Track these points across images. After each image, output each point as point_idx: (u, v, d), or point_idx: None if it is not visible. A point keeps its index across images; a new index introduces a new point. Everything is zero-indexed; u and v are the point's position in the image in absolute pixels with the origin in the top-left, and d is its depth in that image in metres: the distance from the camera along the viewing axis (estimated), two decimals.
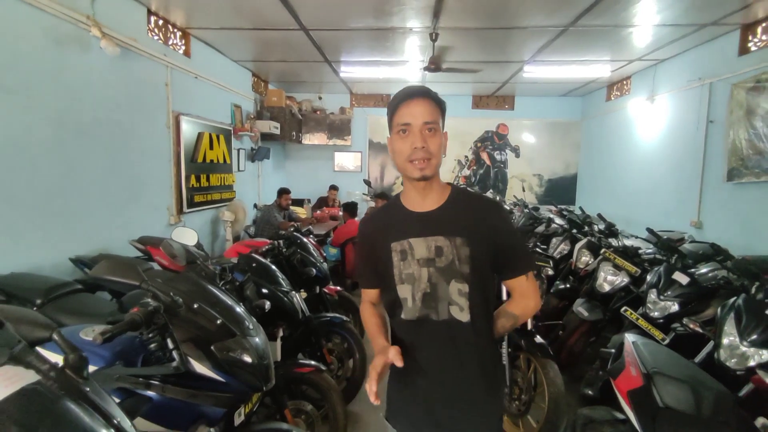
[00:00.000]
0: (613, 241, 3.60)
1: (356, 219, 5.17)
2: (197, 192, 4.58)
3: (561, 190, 7.71)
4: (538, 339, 2.37)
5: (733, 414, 1.33)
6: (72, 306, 2.10)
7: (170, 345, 1.35)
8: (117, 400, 0.92)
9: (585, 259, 3.51)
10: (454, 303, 1.12)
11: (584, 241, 3.67)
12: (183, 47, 4.30)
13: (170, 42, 4.08)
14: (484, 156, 7.80)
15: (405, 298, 1.15)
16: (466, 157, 7.83)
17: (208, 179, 4.80)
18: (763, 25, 3.70)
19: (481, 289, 1.14)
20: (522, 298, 1.22)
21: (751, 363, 1.75)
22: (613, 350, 2.05)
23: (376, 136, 7.80)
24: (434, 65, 4.52)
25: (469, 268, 1.11)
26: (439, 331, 1.13)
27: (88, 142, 3.05)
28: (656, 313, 2.52)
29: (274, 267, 2.53)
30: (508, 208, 6.08)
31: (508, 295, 1.28)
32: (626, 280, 2.99)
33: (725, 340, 1.84)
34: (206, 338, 1.37)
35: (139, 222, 3.61)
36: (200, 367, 1.34)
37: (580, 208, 5.50)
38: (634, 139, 5.79)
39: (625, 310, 2.63)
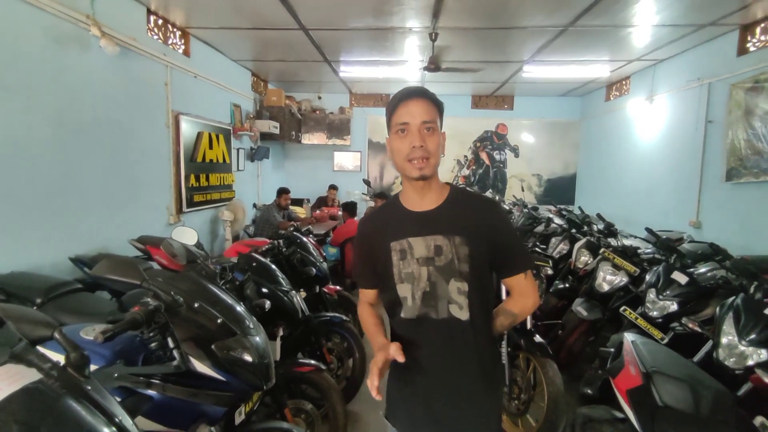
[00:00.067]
0: (612, 241, 3.61)
1: (356, 219, 5.17)
2: (197, 191, 4.58)
3: (560, 190, 7.72)
4: (538, 338, 2.37)
5: (731, 413, 1.34)
6: (72, 305, 2.10)
7: (171, 344, 1.35)
8: (118, 399, 0.92)
9: (584, 258, 3.52)
10: (454, 301, 1.13)
11: (583, 240, 3.68)
12: (182, 47, 4.30)
13: (170, 41, 4.08)
14: (484, 156, 7.81)
15: (405, 297, 1.16)
16: (465, 156, 7.84)
17: (207, 179, 4.80)
18: (762, 25, 3.71)
19: (480, 288, 1.15)
20: (520, 296, 1.23)
21: (750, 362, 1.75)
22: (612, 349, 2.05)
23: (376, 136, 7.81)
24: (434, 65, 4.52)
25: (468, 266, 1.12)
26: (439, 330, 1.14)
27: (87, 141, 3.05)
28: (655, 313, 2.53)
29: (273, 266, 2.53)
30: (507, 207, 6.09)
31: (507, 294, 1.28)
32: (625, 279, 3.00)
33: (724, 340, 1.85)
34: (207, 337, 1.38)
35: (139, 221, 3.61)
36: (201, 366, 1.35)
37: (579, 207, 5.51)
38: (633, 139, 5.80)
39: (624, 310, 2.64)
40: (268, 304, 2.00)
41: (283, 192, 5.35)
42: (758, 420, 1.47)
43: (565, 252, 4.09)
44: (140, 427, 0.89)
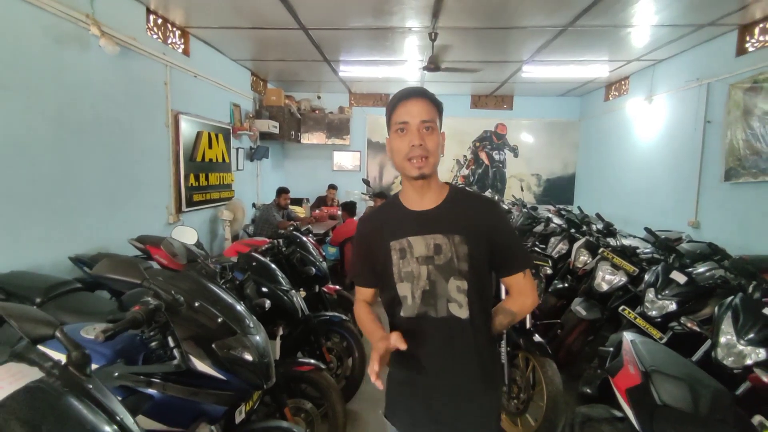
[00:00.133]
0: (611, 241, 3.61)
1: (355, 218, 5.18)
2: (196, 191, 4.58)
3: (559, 189, 7.72)
4: (537, 338, 2.38)
5: (730, 412, 1.35)
6: (72, 305, 2.10)
7: (171, 343, 1.35)
8: (118, 398, 0.93)
9: (583, 258, 3.53)
10: (453, 300, 1.13)
11: (582, 240, 3.68)
12: (182, 46, 4.30)
13: (169, 41, 4.08)
14: (483, 156, 7.82)
15: (404, 296, 1.16)
16: (464, 156, 7.84)
17: (206, 178, 4.80)
18: (761, 25, 3.72)
19: (480, 287, 1.15)
20: (519, 295, 1.23)
21: (748, 361, 1.76)
22: (611, 349, 2.06)
23: (375, 136, 7.81)
24: (433, 65, 4.53)
25: (468, 265, 1.13)
26: (438, 328, 1.15)
27: (87, 140, 3.05)
28: (654, 312, 2.54)
29: (273, 266, 2.53)
30: (506, 207, 6.10)
31: (507, 293, 1.29)
32: (624, 279, 3.00)
33: (722, 339, 1.86)
34: (207, 336, 1.38)
35: (138, 221, 3.61)
36: (201, 365, 1.35)
37: (579, 207, 5.53)
38: (632, 139, 5.81)
39: (623, 309, 2.65)
40: (268, 303, 2.00)
41: (282, 191, 5.35)
42: (756, 419, 1.47)
43: (564, 252, 4.10)
44: (141, 426, 0.89)
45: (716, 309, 2.02)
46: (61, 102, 2.82)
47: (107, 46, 3.05)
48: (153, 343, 1.38)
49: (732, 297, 2.02)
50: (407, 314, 1.16)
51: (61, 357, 0.85)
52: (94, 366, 1.27)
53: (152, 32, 3.82)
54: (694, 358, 1.96)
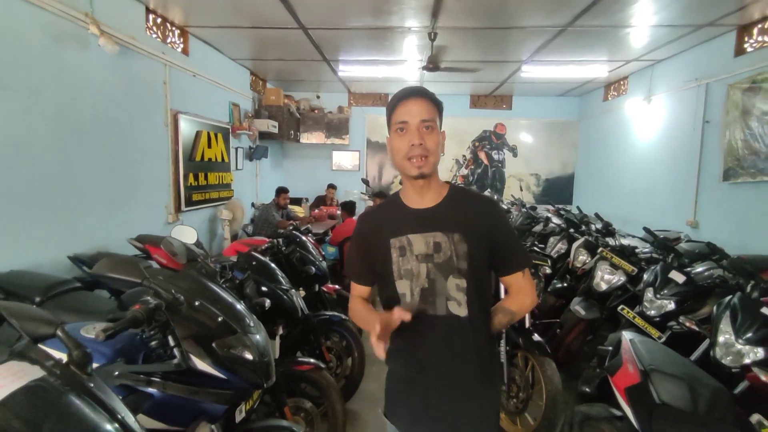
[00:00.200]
0: (610, 241, 3.62)
1: (354, 218, 5.18)
2: (195, 190, 4.57)
3: (558, 189, 7.73)
4: (536, 337, 2.38)
5: (728, 410, 1.35)
6: (71, 304, 2.10)
7: (171, 342, 1.35)
8: (119, 397, 0.93)
9: (582, 258, 3.53)
10: (452, 298, 1.14)
11: (581, 240, 3.69)
12: (181, 45, 4.29)
13: (168, 40, 4.07)
14: (482, 155, 7.82)
15: (403, 293, 1.16)
16: (463, 156, 7.85)
17: (206, 178, 4.79)
18: (759, 26, 3.73)
19: (479, 285, 1.16)
20: (518, 294, 1.24)
21: (746, 360, 1.77)
22: (610, 348, 2.06)
23: (374, 135, 7.81)
24: (432, 65, 4.53)
25: (467, 264, 1.13)
26: (437, 327, 1.15)
27: (86, 140, 3.04)
28: (653, 312, 2.54)
29: (273, 265, 2.53)
30: (505, 207, 6.10)
31: (506, 292, 1.29)
32: (623, 279, 3.01)
33: (721, 338, 1.87)
34: (207, 335, 1.38)
35: (137, 220, 3.61)
36: (201, 364, 1.35)
37: (578, 207, 5.53)
38: (631, 139, 5.82)
39: (622, 309, 2.65)
40: (267, 302, 2.00)
41: (281, 191, 5.35)
42: (755, 417, 1.48)
43: (563, 251, 4.10)
44: (141, 425, 0.89)
45: (715, 308, 2.03)
46: (60, 101, 2.82)
47: (106, 45, 3.05)
48: (153, 342, 1.38)
49: (730, 296, 2.03)
50: None
51: (61, 356, 0.85)
52: (94, 365, 1.27)
53: (151, 31, 3.81)
54: (693, 357, 1.97)
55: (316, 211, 6.62)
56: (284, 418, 1.88)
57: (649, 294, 2.60)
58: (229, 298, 1.56)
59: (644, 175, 5.44)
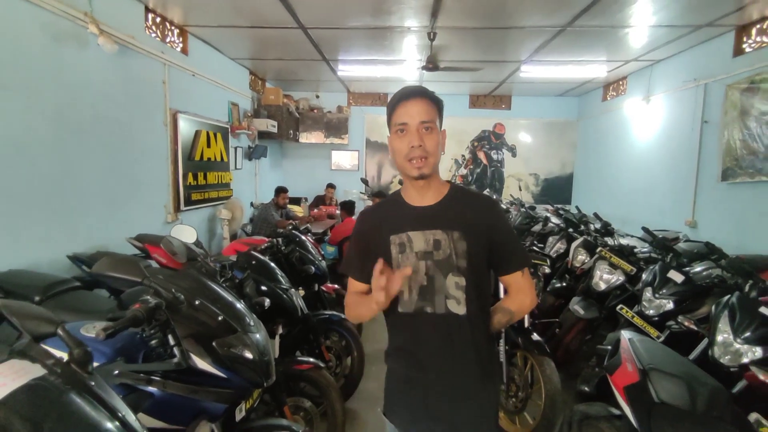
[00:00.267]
0: (609, 240, 3.63)
1: (354, 217, 5.18)
2: (194, 190, 4.57)
3: (557, 189, 7.74)
4: (535, 337, 2.39)
5: (727, 409, 1.36)
6: (70, 303, 2.09)
7: (171, 341, 1.35)
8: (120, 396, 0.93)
9: (581, 257, 3.54)
10: (451, 296, 1.14)
11: (580, 240, 3.70)
12: (180, 45, 4.29)
13: (168, 39, 4.07)
14: (481, 155, 7.83)
15: (402, 290, 1.16)
16: (463, 156, 7.85)
17: (205, 177, 4.79)
18: (758, 26, 3.74)
19: (478, 284, 1.16)
20: (518, 294, 1.24)
21: (745, 360, 1.77)
22: (609, 347, 2.07)
23: (374, 135, 7.81)
24: (432, 64, 4.53)
25: (466, 262, 1.13)
26: (436, 325, 1.15)
27: (85, 139, 3.04)
28: (651, 311, 2.55)
29: (273, 264, 2.54)
30: (504, 207, 6.11)
31: (505, 292, 1.29)
32: (622, 278, 3.01)
33: (719, 338, 1.87)
34: (207, 334, 1.38)
35: (137, 220, 3.60)
36: (201, 363, 1.35)
37: (577, 207, 5.54)
38: (629, 139, 5.83)
39: (621, 308, 2.66)
40: (267, 302, 2.00)
41: (281, 191, 5.35)
42: (753, 416, 1.49)
43: (562, 251, 4.11)
44: (141, 424, 0.90)
45: (713, 308, 2.03)
46: (59, 101, 2.81)
47: (106, 44, 3.04)
48: (153, 341, 1.38)
49: (729, 296, 2.03)
50: (404, 309, 1.17)
51: (62, 355, 0.85)
52: (94, 364, 1.28)
53: (151, 31, 3.81)
54: (692, 356, 1.98)
55: (315, 210, 6.62)
56: (284, 417, 1.88)
57: (647, 293, 2.61)
58: (229, 298, 1.56)
59: (643, 175, 5.45)
